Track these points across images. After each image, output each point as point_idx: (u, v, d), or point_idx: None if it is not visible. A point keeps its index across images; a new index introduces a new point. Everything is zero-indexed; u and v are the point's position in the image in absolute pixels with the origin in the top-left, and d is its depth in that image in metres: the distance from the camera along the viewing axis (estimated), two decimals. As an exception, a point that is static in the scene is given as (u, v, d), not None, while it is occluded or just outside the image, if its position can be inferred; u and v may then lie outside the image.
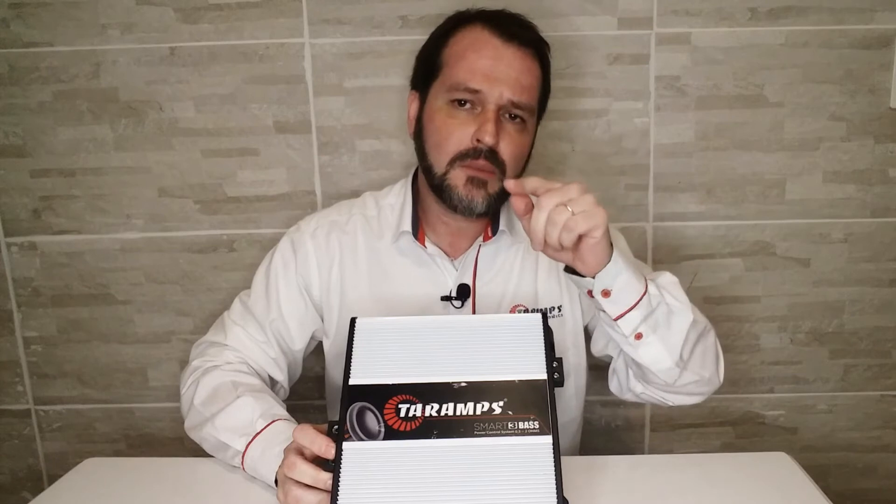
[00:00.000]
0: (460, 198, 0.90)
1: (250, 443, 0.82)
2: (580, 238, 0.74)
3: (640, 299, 0.79)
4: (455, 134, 0.90)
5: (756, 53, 1.16)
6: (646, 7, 1.15)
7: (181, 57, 1.17)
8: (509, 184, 0.77)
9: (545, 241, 0.75)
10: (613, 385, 0.98)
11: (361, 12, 1.16)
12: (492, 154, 0.89)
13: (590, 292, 0.79)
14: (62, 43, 1.17)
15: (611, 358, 0.97)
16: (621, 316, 0.80)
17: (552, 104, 1.17)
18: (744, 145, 1.20)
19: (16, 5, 1.16)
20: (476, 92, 0.89)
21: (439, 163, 0.91)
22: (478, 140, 0.88)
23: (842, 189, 1.21)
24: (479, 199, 0.90)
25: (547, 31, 1.15)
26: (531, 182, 0.76)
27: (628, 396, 0.96)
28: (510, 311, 0.98)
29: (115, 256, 1.24)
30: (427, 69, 0.96)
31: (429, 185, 0.95)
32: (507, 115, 0.90)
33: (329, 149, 1.21)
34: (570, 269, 0.80)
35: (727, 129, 1.19)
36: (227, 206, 1.22)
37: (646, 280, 0.81)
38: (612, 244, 0.78)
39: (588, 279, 0.78)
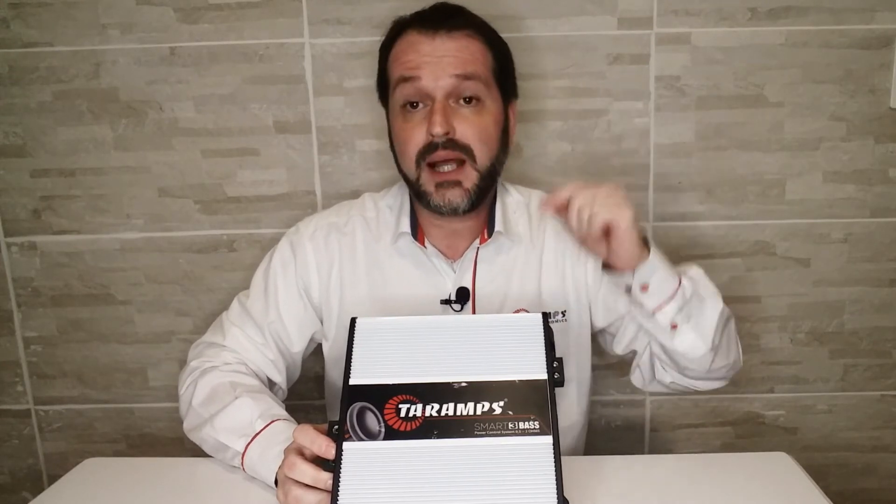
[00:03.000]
0: (437, 203, 0.91)
1: (249, 443, 0.82)
2: (610, 229, 0.80)
3: (676, 292, 0.85)
4: (412, 135, 0.91)
5: (756, 53, 1.16)
6: (646, 7, 1.15)
7: (181, 57, 1.17)
8: (543, 208, 0.86)
9: (582, 231, 0.82)
10: (636, 378, 1.01)
11: (361, 12, 1.16)
12: (451, 142, 0.89)
13: (627, 288, 0.86)
14: (62, 43, 1.17)
15: (633, 355, 1.00)
16: (658, 308, 0.85)
17: (552, 104, 1.17)
18: (744, 145, 1.20)
19: (16, 5, 1.16)
20: (414, 80, 0.89)
21: (409, 168, 0.92)
22: (431, 135, 0.89)
23: (842, 189, 1.21)
24: (457, 199, 0.91)
25: (546, 31, 1.16)
26: (563, 191, 0.83)
27: (654, 387, 0.99)
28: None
29: (115, 256, 1.24)
30: (382, 85, 0.98)
31: (412, 193, 0.96)
32: (460, 101, 0.90)
33: (329, 149, 1.21)
34: (606, 268, 0.87)
35: (727, 129, 1.19)
36: (227, 206, 1.22)
37: (679, 275, 0.86)
38: (647, 241, 0.85)
39: (627, 275, 0.85)
